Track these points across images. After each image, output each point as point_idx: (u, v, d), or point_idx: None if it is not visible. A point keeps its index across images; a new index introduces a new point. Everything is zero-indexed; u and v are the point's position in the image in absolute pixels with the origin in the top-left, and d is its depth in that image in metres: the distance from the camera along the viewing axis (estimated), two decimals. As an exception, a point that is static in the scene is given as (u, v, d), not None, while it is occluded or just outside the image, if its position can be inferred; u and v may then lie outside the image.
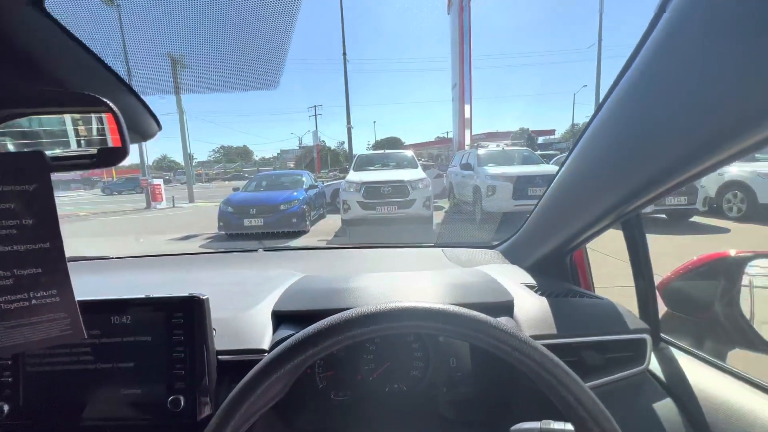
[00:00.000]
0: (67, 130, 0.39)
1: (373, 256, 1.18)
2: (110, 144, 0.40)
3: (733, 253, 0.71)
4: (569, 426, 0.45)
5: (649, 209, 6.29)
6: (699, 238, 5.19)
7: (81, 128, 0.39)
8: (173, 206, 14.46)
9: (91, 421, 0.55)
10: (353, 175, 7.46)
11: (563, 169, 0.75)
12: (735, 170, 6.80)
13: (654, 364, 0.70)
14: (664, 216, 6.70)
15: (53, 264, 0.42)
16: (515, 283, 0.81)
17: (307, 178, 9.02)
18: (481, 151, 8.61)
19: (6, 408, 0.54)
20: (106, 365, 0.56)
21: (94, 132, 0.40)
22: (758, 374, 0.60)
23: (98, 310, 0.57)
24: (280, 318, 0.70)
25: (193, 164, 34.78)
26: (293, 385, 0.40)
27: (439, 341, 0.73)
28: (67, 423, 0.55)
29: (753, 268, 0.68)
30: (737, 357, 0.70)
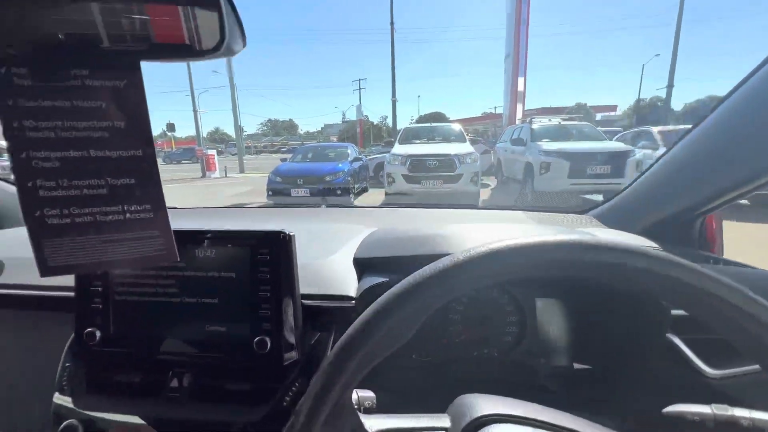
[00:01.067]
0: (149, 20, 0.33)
1: (445, 216, 1.09)
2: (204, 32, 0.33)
3: None
4: (761, 415, 0.35)
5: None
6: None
7: (173, 16, 0.33)
8: (226, 176, 15.25)
9: (176, 355, 0.53)
10: (399, 148, 7.32)
11: (706, 120, 0.62)
12: None
13: None
14: (746, 202, 5.91)
15: (147, 175, 0.38)
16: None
17: (352, 150, 9.03)
18: (535, 125, 8.03)
19: (98, 334, 0.53)
20: (191, 299, 0.53)
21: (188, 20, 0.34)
22: None
23: (181, 240, 0.53)
24: (362, 266, 0.64)
25: (243, 137, 36.26)
26: None
27: (538, 305, 0.64)
28: (153, 355, 0.54)
29: None
30: None
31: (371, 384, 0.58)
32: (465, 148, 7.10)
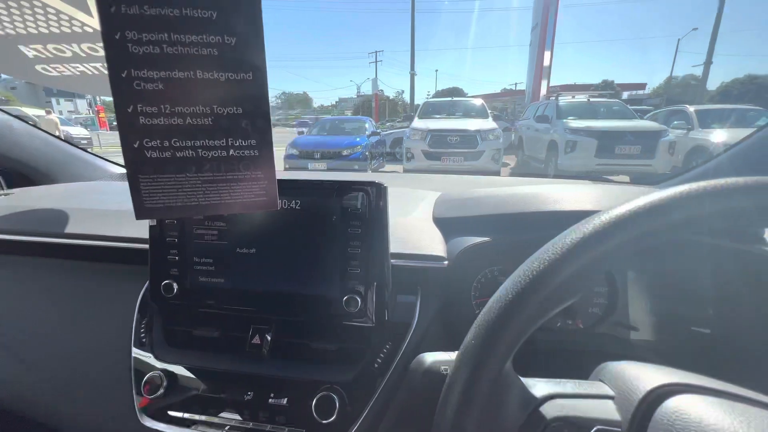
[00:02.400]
0: None
1: (498, 181, 1.03)
2: None
3: None
4: None
5: None
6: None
7: None
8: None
9: (258, 311, 0.50)
10: (418, 122, 7.13)
11: None
12: None
13: None
14: None
15: (256, 104, 0.33)
16: None
17: (369, 124, 8.87)
18: (561, 102, 7.69)
19: (175, 287, 0.50)
20: (275, 253, 0.50)
21: None
22: None
23: None
24: (445, 226, 0.59)
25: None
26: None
27: (630, 277, 0.59)
28: (233, 310, 0.51)
29: None
30: None
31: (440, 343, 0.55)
32: (487, 124, 6.86)
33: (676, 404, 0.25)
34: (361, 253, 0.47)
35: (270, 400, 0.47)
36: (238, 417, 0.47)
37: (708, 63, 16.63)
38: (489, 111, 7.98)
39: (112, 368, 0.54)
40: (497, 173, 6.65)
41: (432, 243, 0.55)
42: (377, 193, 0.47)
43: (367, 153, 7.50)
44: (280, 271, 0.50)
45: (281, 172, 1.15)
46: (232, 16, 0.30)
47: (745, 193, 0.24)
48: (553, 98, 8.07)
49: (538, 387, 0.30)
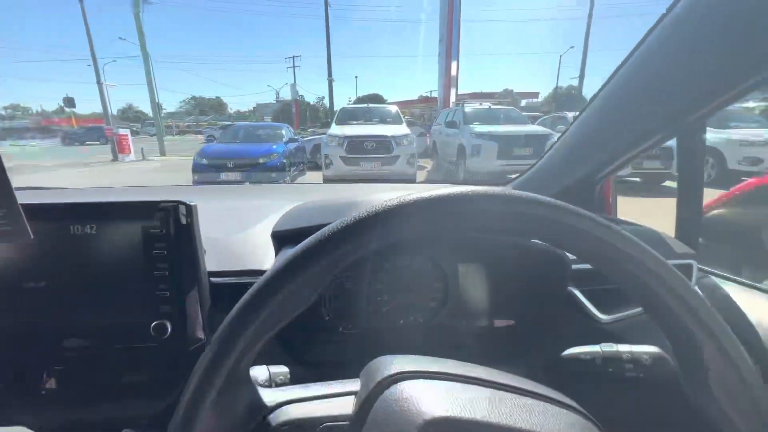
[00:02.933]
0: None
1: (375, 190, 1.08)
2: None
3: None
4: (639, 348, 0.39)
5: (624, 172, 6.50)
6: (667, 201, 5.37)
7: None
8: (143, 159, 13.63)
9: (55, 349, 0.45)
10: (336, 129, 7.16)
11: (602, 91, 0.68)
12: (708, 136, 7.01)
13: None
14: (638, 179, 6.88)
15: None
16: None
17: (286, 131, 8.61)
18: (467, 108, 8.40)
19: None
20: (69, 284, 0.45)
21: None
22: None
23: (52, 216, 0.44)
24: (281, 240, 0.60)
25: (162, 115, 32.53)
26: (298, 317, 0.30)
27: (460, 269, 0.66)
28: (27, 350, 0.45)
29: None
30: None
31: (293, 359, 0.56)
32: (401, 129, 7.17)
33: (400, 390, 0.29)
34: (168, 275, 0.46)
35: None
36: None
37: (581, 76, 19.70)
38: (403, 117, 8.36)
39: None
40: (413, 176, 6.98)
41: (259, 258, 0.55)
42: (183, 212, 0.46)
43: (284, 161, 7.27)
44: (77, 302, 0.45)
45: (84, 189, 1.05)
46: None
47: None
48: (460, 105, 8.76)
49: (276, 395, 0.31)
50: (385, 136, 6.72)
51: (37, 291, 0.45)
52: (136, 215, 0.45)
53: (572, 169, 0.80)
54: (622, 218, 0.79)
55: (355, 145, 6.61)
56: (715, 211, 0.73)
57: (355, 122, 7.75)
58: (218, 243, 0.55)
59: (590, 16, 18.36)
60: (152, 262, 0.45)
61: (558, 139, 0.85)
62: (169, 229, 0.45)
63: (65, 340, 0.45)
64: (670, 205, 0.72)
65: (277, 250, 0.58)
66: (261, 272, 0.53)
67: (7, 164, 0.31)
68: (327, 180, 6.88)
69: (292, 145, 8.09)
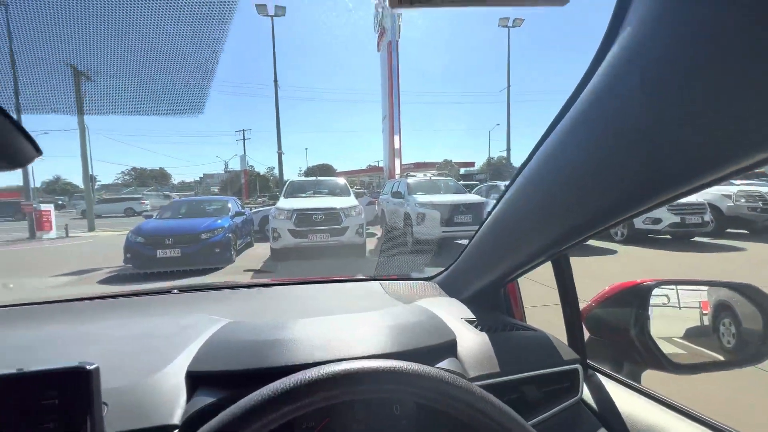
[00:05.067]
0: None
1: (306, 293, 1.12)
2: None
3: (642, 280, 0.81)
4: None
5: (660, 225, 7.14)
6: (589, 259, 5.97)
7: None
8: (66, 236, 12.36)
9: None
10: (284, 202, 7.24)
11: (500, 204, 0.76)
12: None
13: (585, 393, 0.73)
14: (668, 236, 7.68)
15: None
16: (456, 318, 0.81)
17: (233, 204, 8.48)
18: (410, 180, 9.04)
19: None
20: None
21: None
22: (668, 393, 0.68)
23: None
24: (196, 380, 0.57)
25: (96, 187, 30.38)
26: None
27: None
28: None
29: (656, 297, 0.78)
30: (650, 377, 0.78)
31: None
32: (349, 201, 7.44)
33: None
34: None
35: None
36: None
37: (508, 149, 22.57)
38: (351, 187, 8.74)
39: None
40: (363, 245, 7.10)
41: (167, 409, 0.53)
42: (79, 380, 0.44)
43: (230, 235, 7.05)
44: None
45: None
46: None
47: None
48: (404, 177, 9.42)
49: None
50: (334, 208, 6.91)
51: None
52: (28, 387, 0.43)
53: (481, 272, 0.90)
54: (525, 323, 0.88)
55: (304, 217, 6.68)
56: (595, 310, 0.86)
57: (303, 195, 7.92)
58: (123, 395, 0.53)
59: (509, 101, 21.66)
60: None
61: (472, 237, 0.91)
62: (66, 398, 0.43)
63: None
64: (590, 262, 0.82)
65: (190, 393, 0.56)
66: (170, 427, 0.51)
67: None
68: (275, 252, 6.74)
69: (239, 219, 7.93)
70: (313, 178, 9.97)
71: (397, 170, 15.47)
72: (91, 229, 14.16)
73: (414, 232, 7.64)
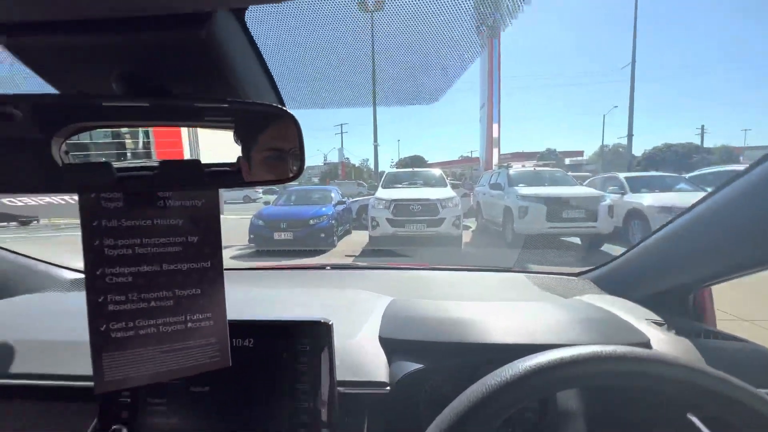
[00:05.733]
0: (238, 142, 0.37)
1: (449, 279, 1.12)
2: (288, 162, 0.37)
3: None
4: None
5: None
6: None
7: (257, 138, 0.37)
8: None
9: None
10: (382, 192, 7.48)
11: (710, 199, 0.67)
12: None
13: None
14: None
15: (212, 284, 0.40)
16: (638, 319, 0.73)
17: (335, 194, 9.12)
18: (511, 171, 8.46)
19: (124, 431, 0.51)
20: (226, 394, 0.52)
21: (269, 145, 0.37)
22: None
23: None
24: (388, 347, 0.65)
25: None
26: None
27: (559, 400, 0.64)
28: None
29: None
30: None
31: None
32: (446, 192, 7.33)
33: None
34: (308, 387, 0.52)
35: None
36: None
37: (630, 135, 19.38)
38: (447, 180, 8.59)
39: None
40: (459, 237, 6.95)
41: (375, 367, 0.60)
42: (322, 331, 0.53)
43: (333, 222, 7.61)
44: (232, 409, 0.52)
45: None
46: (195, 222, 0.38)
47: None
48: (504, 168, 8.87)
49: None
50: (431, 200, 6.90)
51: (202, 395, 0.52)
52: (285, 333, 0.53)
53: (669, 272, 0.78)
54: (730, 333, 0.74)
55: (402, 207, 6.82)
56: None
57: (401, 185, 8.08)
58: (337, 351, 0.61)
59: (633, 77, 18.55)
60: (296, 375, 0.52)
61: (652, 234, 0.82)
62: (313, 345, 0.52)
63: None
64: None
65: (388, 358, 0.63)
66: (379, 383, 0.57)
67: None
68: (373, 239, 7.07)
69: (340, 207, 8.50)
70: (410, 169, 10.07)
71: (495, 161, 14.70)
72: (221, 212, 16.77)
73: (515, 228, 7.17)
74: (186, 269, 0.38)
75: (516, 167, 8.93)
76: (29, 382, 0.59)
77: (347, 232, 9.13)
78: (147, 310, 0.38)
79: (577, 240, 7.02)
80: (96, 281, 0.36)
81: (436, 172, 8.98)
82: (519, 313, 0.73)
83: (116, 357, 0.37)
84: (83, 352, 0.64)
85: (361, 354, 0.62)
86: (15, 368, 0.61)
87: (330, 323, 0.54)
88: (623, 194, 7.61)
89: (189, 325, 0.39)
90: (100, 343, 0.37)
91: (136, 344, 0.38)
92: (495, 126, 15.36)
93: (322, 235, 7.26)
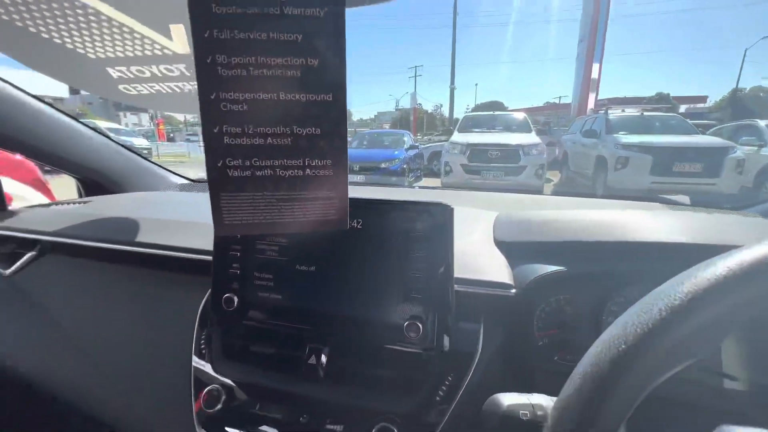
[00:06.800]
0: None
1: (561, 203, 0.96)
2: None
3: None
4: None
5: None
6: None
7: None
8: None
9: (315, 331, 0.49)
10: (458, 136, 7.07)
11: None
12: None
13: None
14: None
15: (334, 124, 0.33)
16: None
17: (408, 138, 8.93)
18: (612, 116, 7.30)
19: (236, 300, 0.51)
20: (331, 275, 0.49)
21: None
22: None
23: None
24: (509, 251, 0.56)
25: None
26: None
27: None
28: (290, 327, 0.50)
29: None
30: None
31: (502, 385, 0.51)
32: (530, 138, 6.67)
33: None
34: (423, 277, 0.45)
35: (327, 426, 0.45)
36: None
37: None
38: (532, 125, 7.76)
39: (172, 375, 0.55)
40: (540, 189, 6.40)
41: (496, 269, 0.52)
42: (443, 214, 0.45)
43: (404, 166, 7.53)
44: (339, 291, 0.49)
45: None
46: (316, 40, 0.31)
47: None
48: (602, 112, 7.68)
49: None
50: (512, 145, 6.34)
51: (308, 274, 0.50)
52: (400, 214, 0.46)
53: None
54: None
55: (478, 153, 6.40)
56: None
57: (479, 130, 7.51)
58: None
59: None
60: (410, 262, 0.46)
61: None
62: (431, 230, 0.45)
63: (325, 324, 0.49)
64: None
65: (510, 261, 0.54)
66: (504, 285, 0.49)
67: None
68: (446, 186, 6.86)
69: (412, 152, 8.33)
70: (490, 112, 9.28)
71: (591, 106, 12.79)
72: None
73: (607, 181, 6.35)
74: (305, 100, 0.32)
75: (617, 112, 7.65)
76: (155, 251, 0.63)
77: (418, 179, 9.02)
78: (264, 147, 0.32)
79: (685, 199, 5.99)
80: (211, 108, 0.31)
81: (519, 115, 8.14)
82: (672, 218, 0.58)
83: (234, 199, 0.34)
84: (200, 231, 0.68)
85: (476, 254, 0.55)
86: (141, 238, 0.66)
87: (451, 206, 0.45)
88: (761, 146, 6.16)
89: (308, 171, 0.34)
90: (219, 181, 0.33)
91: (253, 186, 0.33)
92: (595, 66, 13.14)
93: (393, 178, 7.25)
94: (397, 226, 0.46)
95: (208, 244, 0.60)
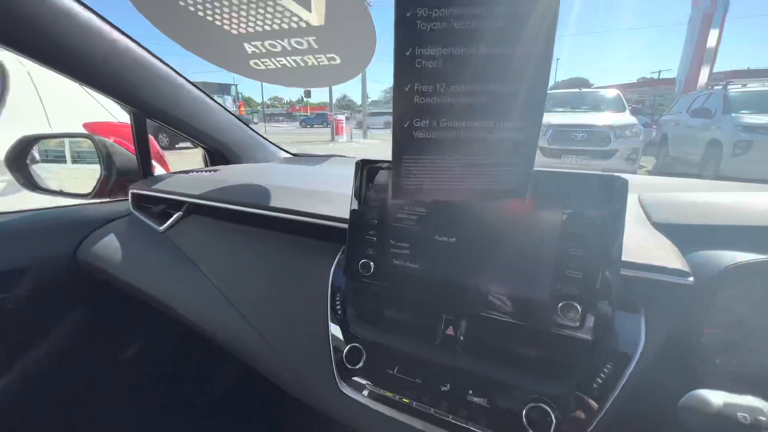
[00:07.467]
0: None
1: (706, 186, 0.83)
2: None
3: None
4: None
5: None
6: None
7: None
8: (351, 140, 16.31)
9: (450, 302, 0.48)
10: (539, 117, 6.53)
11: None
12: None
13: None
14: None
15: (535, 83, 0.30)
16: None
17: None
18: (732, 92, 6.14)
19: (372, 266, 0.52)
20: (474, 247, 0.47)
21: None
22: None
23: None
24: (675, 234, 0.50)
25: (368, 104, 37.98)
26: None
27: None
28: (428, 298, 0.50)
29: None
30: None
31: None
32: (623, 118, 5.93)
33: None
34: (584, 255, 0.41)
35: (469, 398, 0.45)
36: (434, 407, 0.46)
37: None
38: (626, 104, 6.86)
39: (313, 334, 0.59)
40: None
41: (665, 253, 0.46)
42: (617, 187, 0.40)
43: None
44: (481, 264, 0.47)
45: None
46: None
47: None
48: (720, 87, 6.50)
49: None
50: (600, 126, 5.69)
51: (448, 245, 0.48)
52: (560, 186, 0.42)
53: None
54: None
55: (561, 134, 5.85)
56: None
57: (562, 109, 6.86)
58: None
59: None
60: (569, 238, 0.42)
61: None
62: (600, 204, 0.41)
63: (464, 297, 0.48)
64: None
65: (680, 246, 0.47)
66: (679, 272, 0.43)
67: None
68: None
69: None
70: (576, 89, 8.41)
71: (703, 80, 10.88)
72: (365, 137, 17.95)
73: (720, 169, 5.44)
74: (507, 55, 0.29)
75: (739, 87, 6.40)
76: (290, 216, 0.67)
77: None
78: (455, 107, 0.31)
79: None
80: (404, 64, 0.30)
81: (611, 93, 7.25)
82: None
83: (415, 162, 0.33)
84: (322, 198, 0.71)
85: (634, 237, 0.48)
86: (273, 203, 0.71)
87: (625, 178, 0.40)
88: None
89: (496, 134, 0.32)
90: (403, 142, 0.32)
91: (436, 150, 0.32)
92: (713, 33, 11.09)
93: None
94: (559, 198, 0.42)
95: (331, 210, 0.62)
